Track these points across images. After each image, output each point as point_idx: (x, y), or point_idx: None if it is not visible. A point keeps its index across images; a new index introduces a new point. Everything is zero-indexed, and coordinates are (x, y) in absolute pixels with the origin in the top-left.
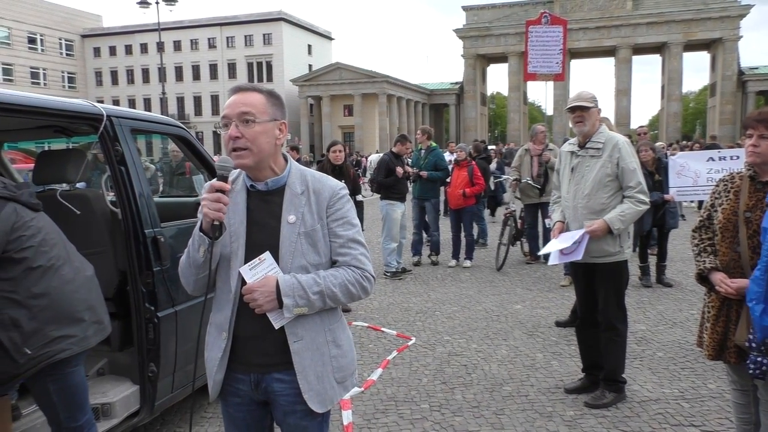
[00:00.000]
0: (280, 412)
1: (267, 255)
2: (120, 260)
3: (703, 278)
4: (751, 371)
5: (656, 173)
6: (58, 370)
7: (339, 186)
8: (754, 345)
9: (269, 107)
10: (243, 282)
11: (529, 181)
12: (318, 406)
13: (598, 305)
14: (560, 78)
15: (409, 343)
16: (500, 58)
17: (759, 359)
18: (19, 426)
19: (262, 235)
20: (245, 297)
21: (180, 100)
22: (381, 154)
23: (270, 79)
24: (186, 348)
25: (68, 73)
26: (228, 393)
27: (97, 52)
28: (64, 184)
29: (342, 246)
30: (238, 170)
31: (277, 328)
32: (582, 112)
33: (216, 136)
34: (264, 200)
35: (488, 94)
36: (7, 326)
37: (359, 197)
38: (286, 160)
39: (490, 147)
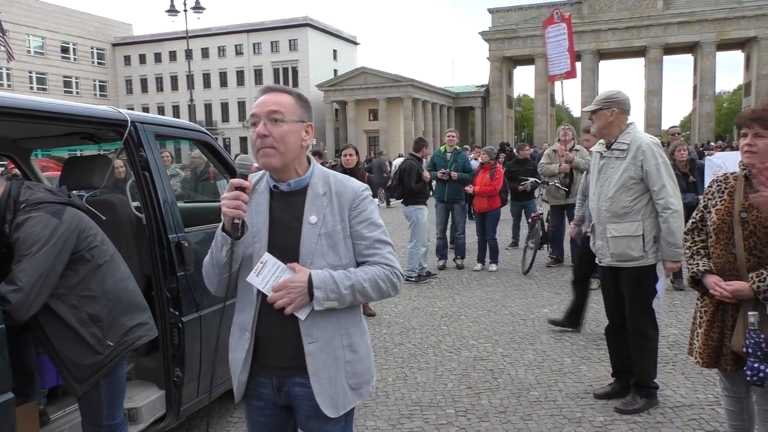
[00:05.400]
0: (302, 416)
1: (267, 256)
2: (145, 265)
3: (696, 282)
4: (748, 378)
5: (690, 174)
6: None
7: (362, 187)
8: (750, 351)
9: (297, 108)
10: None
11: (556, 183)
12: (330, 410)
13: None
14: (571, 75)
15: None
16: (527, 60)
17: (756, 365)
18: (47, 431)
19: (284, 236)
20: (276, 304)
21: (208, 107)
22: (403, 158)
23: (296, 84)
24: (210, 353)
25: (100, 81)
26: (251, 397)
27: (127, 60)
28: (89, 190)
29: (368, 247)
30: (263, 171)
31: (303, 319)
32: (592, 114)
33: (243, 141)
34: (286, 201)
35: (514, 96)
36: (87, 323)
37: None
38: (309, 162)
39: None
